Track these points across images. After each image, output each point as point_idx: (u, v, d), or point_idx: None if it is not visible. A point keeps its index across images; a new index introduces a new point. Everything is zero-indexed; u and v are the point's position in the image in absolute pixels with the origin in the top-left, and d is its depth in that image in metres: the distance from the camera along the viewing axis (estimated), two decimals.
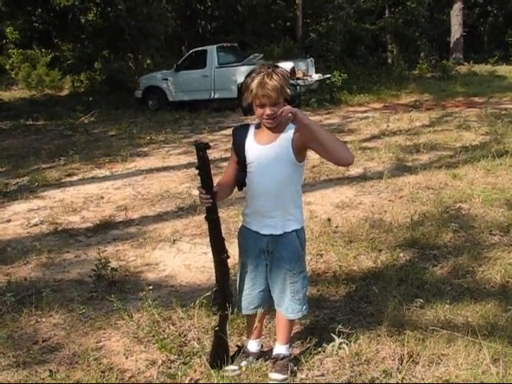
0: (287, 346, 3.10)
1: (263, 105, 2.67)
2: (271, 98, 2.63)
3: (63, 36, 21.79)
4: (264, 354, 3.18)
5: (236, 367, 3.04)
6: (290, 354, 3.12)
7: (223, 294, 2.91)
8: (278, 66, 2.74)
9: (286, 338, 3.09)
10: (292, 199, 2.86)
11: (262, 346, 3.24)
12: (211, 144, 2.76)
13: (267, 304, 3.05)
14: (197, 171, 2.70)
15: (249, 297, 3.00)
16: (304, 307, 2.99)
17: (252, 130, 2.87)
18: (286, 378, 2.97)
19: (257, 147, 2.80)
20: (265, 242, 2.87)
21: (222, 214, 5.62)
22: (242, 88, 2.76)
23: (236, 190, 2.98)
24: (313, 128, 2.55)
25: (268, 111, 2.67)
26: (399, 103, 15.26)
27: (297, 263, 2.90)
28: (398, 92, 17.17)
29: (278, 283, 2.92)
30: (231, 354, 3.12)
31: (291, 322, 3.09)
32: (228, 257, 2.89)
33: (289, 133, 2.74)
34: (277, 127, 2.76)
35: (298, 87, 13.96)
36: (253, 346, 3.17)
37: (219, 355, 3.02)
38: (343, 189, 6.73)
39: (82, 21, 20.38)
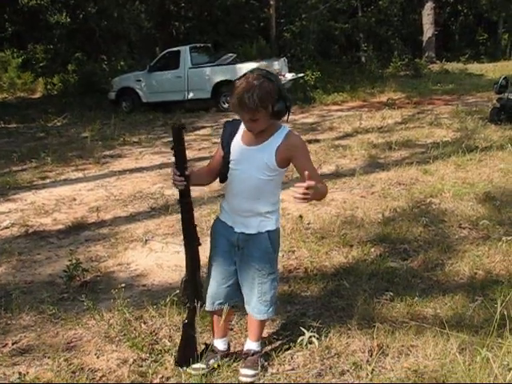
0: (258, 342, 3.10)
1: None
2: (246, 114, 2.58)
3: (33, 37, 21.56)
4: (232, 354, 3.17)
5: (204, 365, 3.02)
6: (261, 350, 3.13)
7: (193, 285, 2.87)
8: (269, 77, 2.58)
9: (257, 335, 3.08)
10: (269, 202, 2.82)
11: (229, 345, 3.20)
12: (185, 144, 2.74)
13: (233, 301, 3.01)
14: (172, 152, 2.66)
15: (215, 292, 2.96)
16: (270, 309, 2.95)
17: (242, 126, 2.77)
18: (257, 374, 2.97)
19: (241, 147, 2.75)
20: (236, 237, 2.84)
21: (195, 213, 5.61)
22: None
23: (213, 181, 2.97)
24: (316, 197, 2.61)
25: (245, 123, 2.65)
26: (372, 101, 15.39)
27: (266, 264, 2.86)
28: (372, 90, 17.30)
29: (248, 282, 2.90)
30: (200, 350, 3.11)
31: (262, 321, 3.06)
32: (199, 244, 2.85)
33: (276, 140, 2.68)
34: (265, 131, 2.69)
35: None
36: (219, 344, 3.14)
37: (186, 352, 3.00)
38: None
39: (52, 22, 20.17)
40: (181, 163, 2.68)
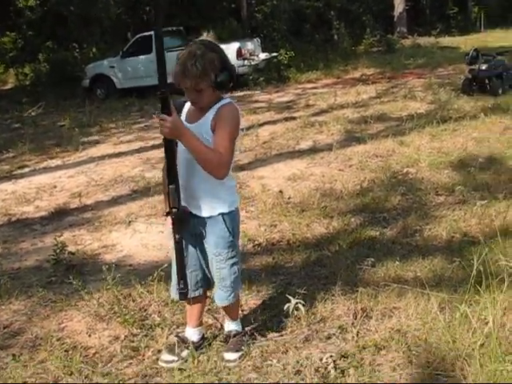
0: (237, 321, 3.07)
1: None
2: (189, 82, 2.55)
3: (1, 25, 21.17)
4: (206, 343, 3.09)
5: (175, 357, 2.91)
6: (243, 328, 3.09)
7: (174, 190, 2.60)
8: (213, 47, 2.60)
9: (234, 315, 3.05)
10: (218, 181, 2.64)
11: (203, 336, 3.09)
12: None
13: (203, 288, 2.94)
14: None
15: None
16: (231, 296, 2.86)
17: (187, 106, 2.77)
18: (242, 355, 2.92)
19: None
20: (193, 222, 2.72)
21: None
22: None
23: None
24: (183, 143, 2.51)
25: (189, 95, 2.61)
26: (346, 78, 15.46)
27: (224, 249, 2.75)
28: (346, 67, 17.34)
29: (211, 267, 2.84)
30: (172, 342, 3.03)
31: (226, 307, 2.99)
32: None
33: (211, 113, 2.62)
34: (206, 106, 2.65)
35: (238, 68, 13.93)
36: (192, 334, 3.04)
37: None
38: (294, 162, 6.85)
39: (20, 6, 19.81)
40: (168, 108, 2.50)
